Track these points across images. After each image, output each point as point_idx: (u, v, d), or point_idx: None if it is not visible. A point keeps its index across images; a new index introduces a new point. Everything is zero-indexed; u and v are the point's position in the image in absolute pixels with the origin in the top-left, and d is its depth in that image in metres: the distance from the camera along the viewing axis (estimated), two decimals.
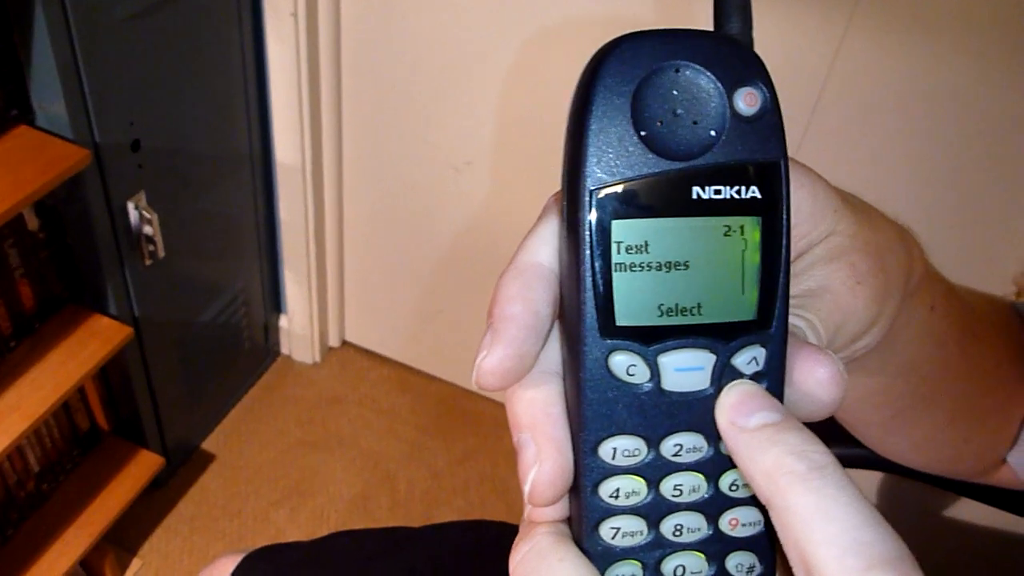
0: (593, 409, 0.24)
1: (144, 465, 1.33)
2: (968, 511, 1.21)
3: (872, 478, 1.24)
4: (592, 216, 0.23)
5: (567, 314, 0.25)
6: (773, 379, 0.25)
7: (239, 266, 1.51)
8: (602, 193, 0.23)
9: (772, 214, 0.24)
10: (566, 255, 0.25)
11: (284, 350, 1.74)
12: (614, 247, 0.24)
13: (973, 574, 1.28)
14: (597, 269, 0.24)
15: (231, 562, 0.71)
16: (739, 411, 0.24)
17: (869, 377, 0.38)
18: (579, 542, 0.25)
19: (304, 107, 1.36)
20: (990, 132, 1.05)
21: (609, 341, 0.24)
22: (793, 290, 0.29)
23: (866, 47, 1.04)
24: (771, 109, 0.24)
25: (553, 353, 0.26)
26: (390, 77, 1.36)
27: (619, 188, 0.23)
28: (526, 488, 0.25)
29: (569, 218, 0.24)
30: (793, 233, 0.29)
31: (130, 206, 1.13)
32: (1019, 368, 0.46)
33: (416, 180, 1.47)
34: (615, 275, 0.24)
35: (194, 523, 1.44)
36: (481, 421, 1.66)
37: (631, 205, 0.23)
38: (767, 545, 0.26)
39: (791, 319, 0.27)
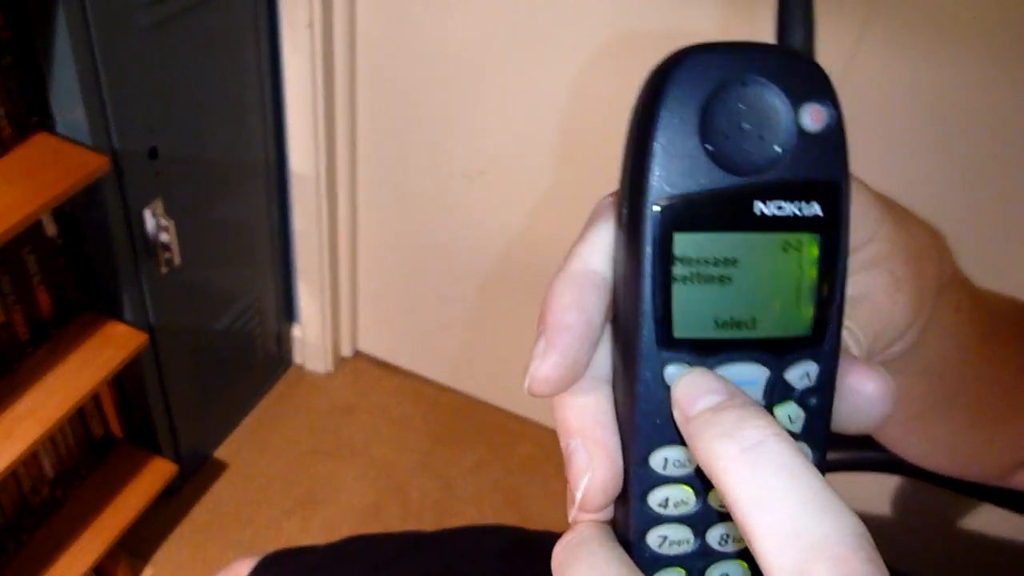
0: (647, 420, 0.24)
1: (157, 472, 1.33)
2: (985, 519, 1.20)
3: (891, 483, 1.23)
4: (654, 228, 0.23)
5: (623, 324, 0.25)
6: (824, 394, 0.25)
7: (253, 275, 1.52)
8: (666, 205, 0.23)
9: (832, 232, 0.24)
10: (624, 265, 0.25)
11: (297, 359, 1.74)
12: (674, 259, 0.23)
13: None
14: (657, 281, 0.23)
15: (246, 566, 0.71)
16: (688, 401, 0.23)
17: (893, 376, 0.38)
18: (626, 548, 0.25)
19: (319, 117, 1.37)
20: (1007, 138, 1.05)
21: (666, 353, 0.24)
22: None
23: (880, 55, 1.04)
24: (836, 127, 0.24)
25: (602, 359, 0.26)
26: (404, 87, 1.37)
27: (683, 201, 0.23)
28: (578, 495, 0.25)
29: (630, 229, 0.24)
30: None
31: (147, 213, 1.14)
32: None
33: (429, 190, 1.48)
34: (675, 287, 0.23)
35: (207, 531, 1.44)
36: (493, 431, 1.66)
37: (694, 218, 0.23)
38: None
39: None
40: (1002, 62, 1.00)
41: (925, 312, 0.32)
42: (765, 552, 0.19)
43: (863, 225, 0.29)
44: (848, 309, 0.28)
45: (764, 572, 0.20)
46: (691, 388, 0.23)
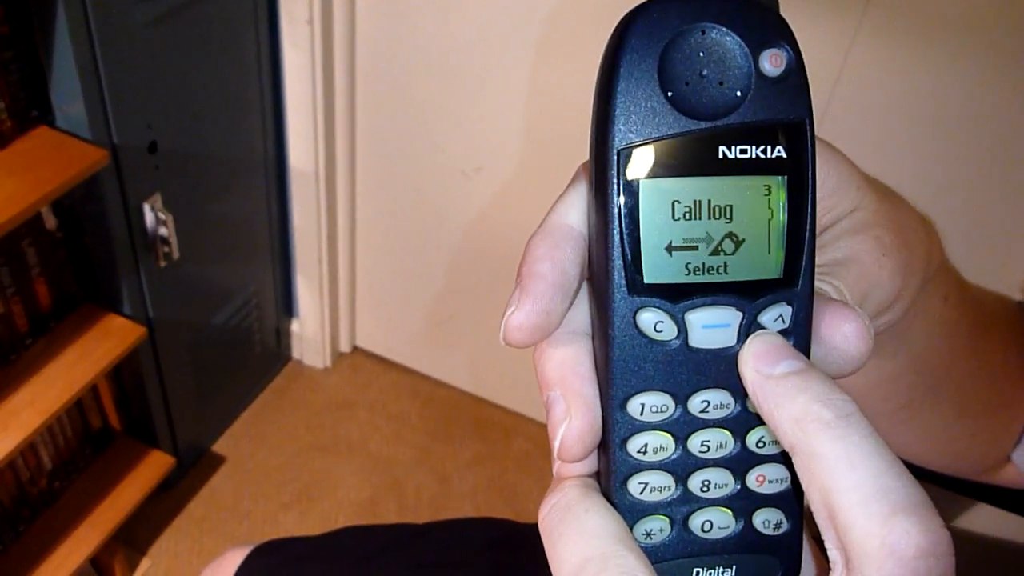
0: (621, 366, 0.25)
1: (155, 465, 1.34)
2: (976, 517, 1.21)
3: None
4: (620, 175, 0.24)
5: (595, 273, 0.25)
6: (799, 336, 0.25)
7: (252, 270, 1.52)
8: (630, 152, 0.24)
9: (798, 173, 0.24)
10: (594, 214, 0.25)
11: (295, 354, 1.75)
12: (641, 206, 0.24)
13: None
14: (624, 227, 0.24)
15: (239, 555, 0.71)
16: (764, 360, 0.24)
17: (882, 362, 0.39)
18: (608, 496, 0.26)
19: (318, 113, 1.38)
20: (998, 139, 1.05)
21: (637, 299, 0.24)
22: (820, 260, 0.29)
23: (874, 55, 1.05)
24: (796, 70, 0.24)
25: (581, 314, 0.27)
26: (403, 83, 1.38)
27: (646, 147, 0.24)
28: (555, 444, 0.25)
29: (597, 177, 0.24)
30: (819, 207, 0.29)
31: (146, 207, 1.14)
32: None
33: (427, 186, 1.48)
34: (643, 233, 0.24)
35: (203, 524, 1.45)
36: (489, 427, 1.67)
37: (658, 164, 0.24)
38: (793, 502, 0.26)
39: (819, 284, 0.28)
40: (997, 61, 1.00)
41: (914, 283, 0.32)
42: (851, 504, 0.21)
43: (846, 194, 0.30)
44: (835, 270, 0.29)
45: (843, 523, 0.21)
46: (769, 349, 0.24)
